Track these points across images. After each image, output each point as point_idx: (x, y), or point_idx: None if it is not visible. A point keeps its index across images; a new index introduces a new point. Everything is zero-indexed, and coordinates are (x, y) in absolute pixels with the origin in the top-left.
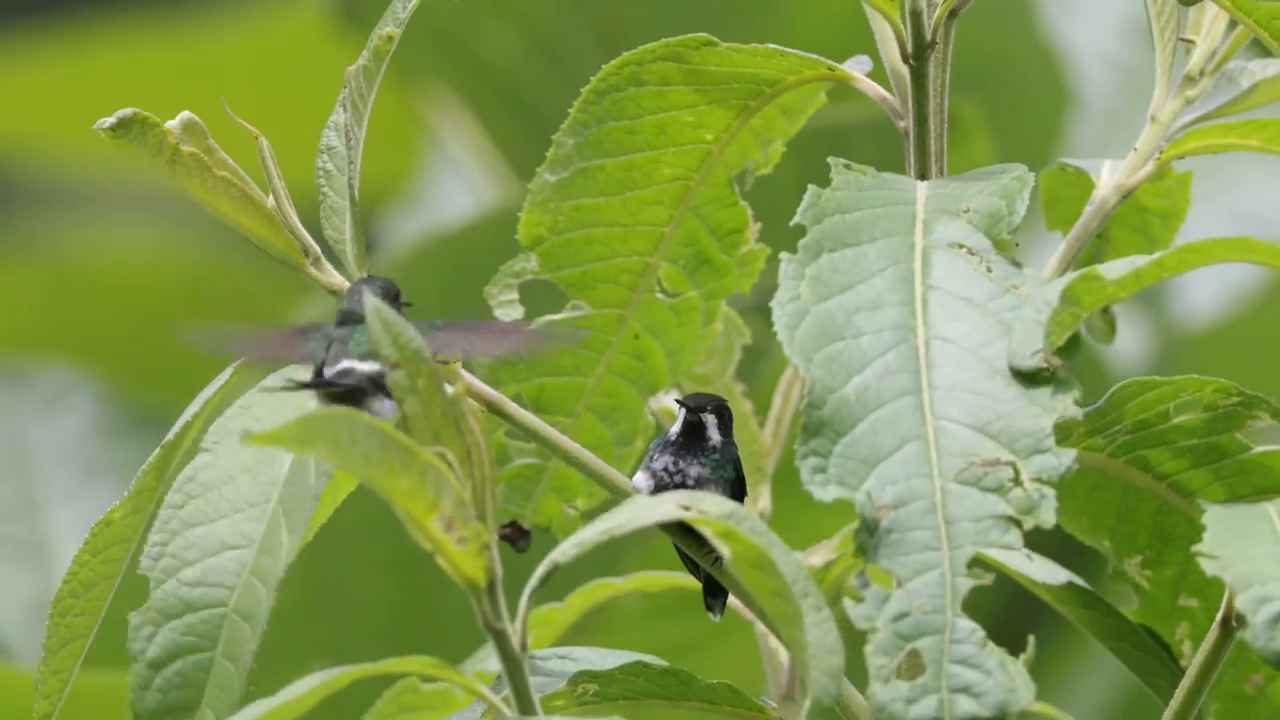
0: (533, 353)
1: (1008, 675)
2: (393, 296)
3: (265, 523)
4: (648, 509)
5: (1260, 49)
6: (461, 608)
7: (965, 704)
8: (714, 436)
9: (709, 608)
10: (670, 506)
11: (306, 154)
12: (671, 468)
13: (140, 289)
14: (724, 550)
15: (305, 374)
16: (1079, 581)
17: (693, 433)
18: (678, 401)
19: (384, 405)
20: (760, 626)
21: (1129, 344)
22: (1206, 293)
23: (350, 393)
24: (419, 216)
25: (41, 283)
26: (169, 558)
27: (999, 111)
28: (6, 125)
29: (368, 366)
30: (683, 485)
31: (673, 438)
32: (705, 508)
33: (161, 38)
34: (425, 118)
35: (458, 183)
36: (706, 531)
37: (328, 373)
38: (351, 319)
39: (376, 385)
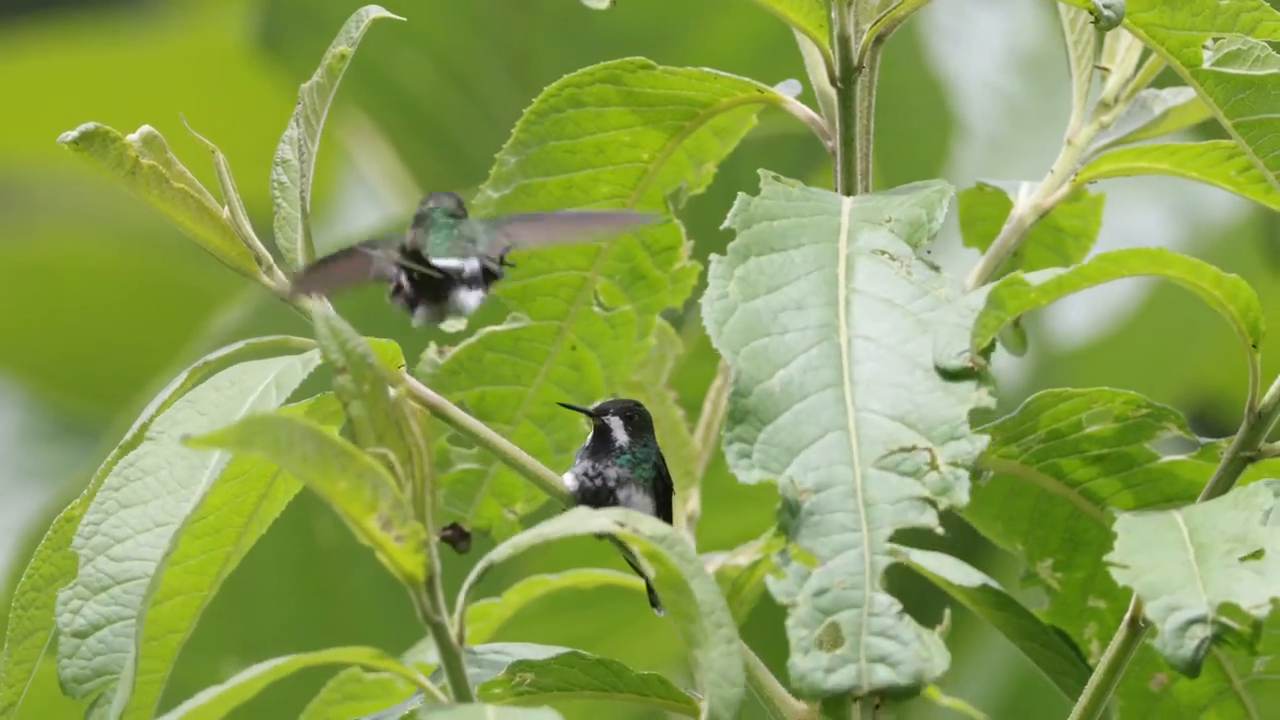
0: (605, 236)
1: (924, 645)
2: (459, 203)
3: (192, 502)
4: (583, 520)
5: (1173, 77)
6: (372, 607)
7: (883, 673)
8: (620, 438)
9: (653, 604)
10: (605, 520)
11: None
12: (591, 471)
13: (67, 292)
14: (649, 570)
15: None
16: (992, 584)
17: (601, 437)
18: (582, 411)
19: (468, 298)
20: None
21: (1008, 362)
22: (1079, 315)
23: (437, 291)
24: (330, 233)
25: None
26: (100, 536)
27: (887, 138)
28: None
29: (452, 263)
30: (604, 486)
31: (589, 443)
32: (639, 527)
33: (104, 42)
34: (341, 141)
35: (371, 205)
36: (635, 549)
37: (418, 274)
38: (422, 223)
39: (460, 279)
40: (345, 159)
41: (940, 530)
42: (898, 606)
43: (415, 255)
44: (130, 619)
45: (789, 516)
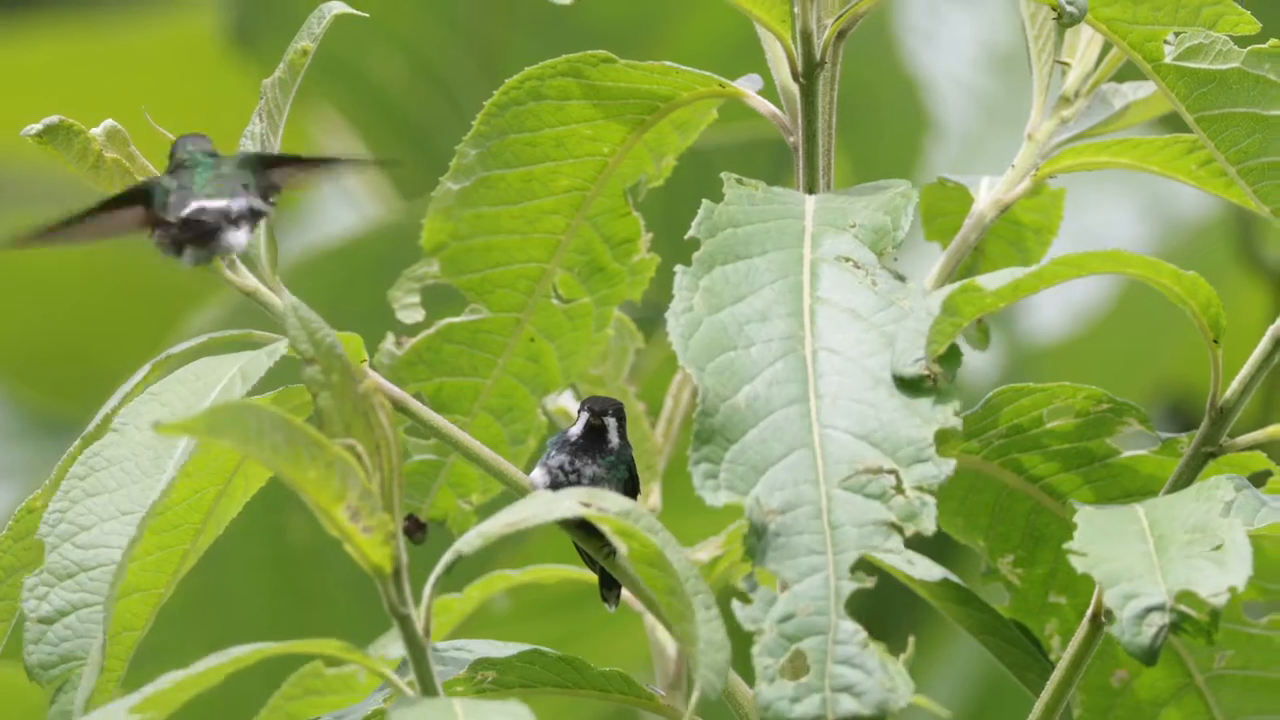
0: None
1: (888, 675)
2: (211, 143)
3: (158, 490)
4: (549, 504)
5: (1133, 71)
6: (343, 607)
7: (847, 703)
8: (613, 439)
9: (604, 599)
10: (571, 503)
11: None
12: (568, 466)
13: (40, 288)
14: (621, 546)
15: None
16: (954, 579)
17: (593, 435)
18: (583, 404)
19: (237, 236)
20: (649, 618)
21: (979, 359)
22: (1053, 312)
23: (205, 231)
24: (304, 230)
25: None
26: (66, 524)
27: (860, 136)
28: None
29: (217, 203)
30: (578, 484)
31: (572, 438)
32: (605, 505)
33: (75, 33)
34: (312, 137)
35: (340, 198)
36: (605, 528)
37: (182, 214)
38: (181, 166)
39: (227, 219)
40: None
41: (905, 556)
42: (862, 634)
43: (179, 197)
44: (97, 605)
45: (755, 539)
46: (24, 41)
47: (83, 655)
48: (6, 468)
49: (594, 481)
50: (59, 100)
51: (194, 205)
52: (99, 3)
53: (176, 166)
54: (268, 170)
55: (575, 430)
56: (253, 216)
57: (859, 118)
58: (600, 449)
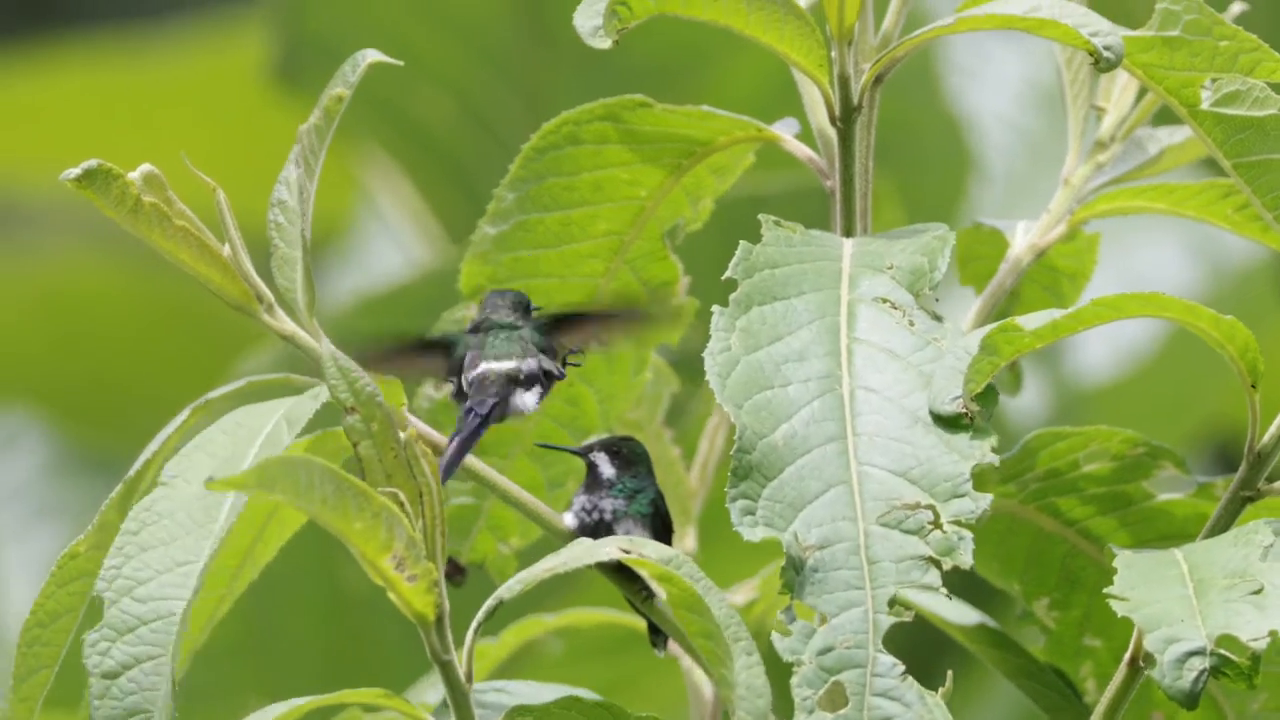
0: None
1: (926, 708)
2: (524, 307)
3: (214, 540)
4: (591, 550)
5: (1169, 116)
6: (394, 648)
7: None
8: (607, 471)
9: (653, 644)
10: (612, 549)
11: (252, 178)
12: (588, 505)
13: (89, 319)
14: (660, 591)
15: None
16: (990, 622)
17: (591, 473)
18: (567, 450)
19: (525, 399)
20: (686, 661)
21: (1027, 399)
22: (1101, 351)
23: (490, 395)
24: (350, 270)
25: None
26: (123, 579)
27: (904, 175)
28: None
29: (504, 366)
30: (601, 520)
31: (584, 481)
32: (645, 552)
33: (118, 62)
34: (358, 175)
35: (388, 239)
36: (644, 573)
37: (468, 377)
38: (484, 327)
39: (514, 381)
40: (362, 193)
41: (944, 592)
42: (901, 667)
43: (472, 357)
44: (160, 657)
45: (793, 574)
46: (65, 70)
47: (149, 709)
48: (54, 505)
49: (615, 516)
50: (101, 131)
51: (482, 368)
52: (139, 34)
53: (481, 322)
54: (565, 328)
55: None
56: (545, 379)
57: (903, 156)
58: (601, 483)
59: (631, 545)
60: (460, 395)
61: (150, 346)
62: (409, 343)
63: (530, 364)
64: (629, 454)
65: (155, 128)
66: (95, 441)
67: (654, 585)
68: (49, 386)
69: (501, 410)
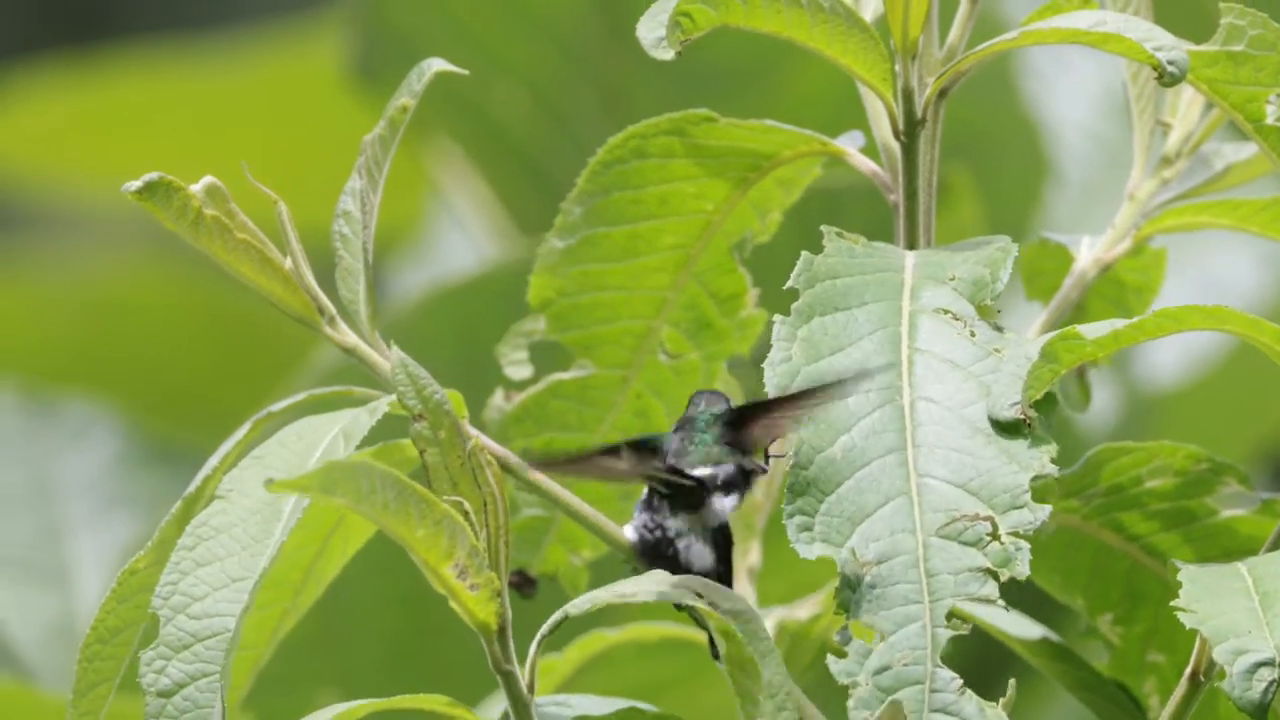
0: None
1: None
2: (725, 403)
3: (268, 555)
4: (663, 587)
5: (1235, 132)
6: (466, 646)
7: None
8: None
9: (715, 656)
10: (685, 591)
11: (318, 190)
12: (650, 524)
13: (160, 318)
14: (721, 644)
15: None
16: (1052, 636)
17: (652, 491)
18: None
19: (725, 502)
20: None
21: (1096, 406)
22: (1171, 357)
23: (689, 496)
24: (423, 268)
25: (67, 309)
26: (179, 595)
27: (979, 181)
28: (27, 154)
29: (704, 470)
30: (664, 537)
31: (646, 494)
32: (717, 601)
33: (180, 71)
34: (430, 171)
35: (460, 236)
36: (710, 624)
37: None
38: (689, 425)
39: (715, 485)
40: (434, 189)
41: (1001, 603)
42: (959, 681)
43: (669, 467)
44: (214, 675)
45: (849, 593)
46: (129, 81)
47: None
48: (125, 496)
49: (679, 534)
50: (166, 137)
51: (681, 475)
52: (201, 43)
53: (685, 423)
54: (755, 421)
55: (645, 489)
56: (744, 480)
57: (979, 161)
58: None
59: (706, 591)
60: (651, 504)
61: (211, 354)
62: (601, 449)
63: (725, 470)
64: None
65: (221, 137)
66: (165, 433)
67: (716, 637)
68: (115, 383)
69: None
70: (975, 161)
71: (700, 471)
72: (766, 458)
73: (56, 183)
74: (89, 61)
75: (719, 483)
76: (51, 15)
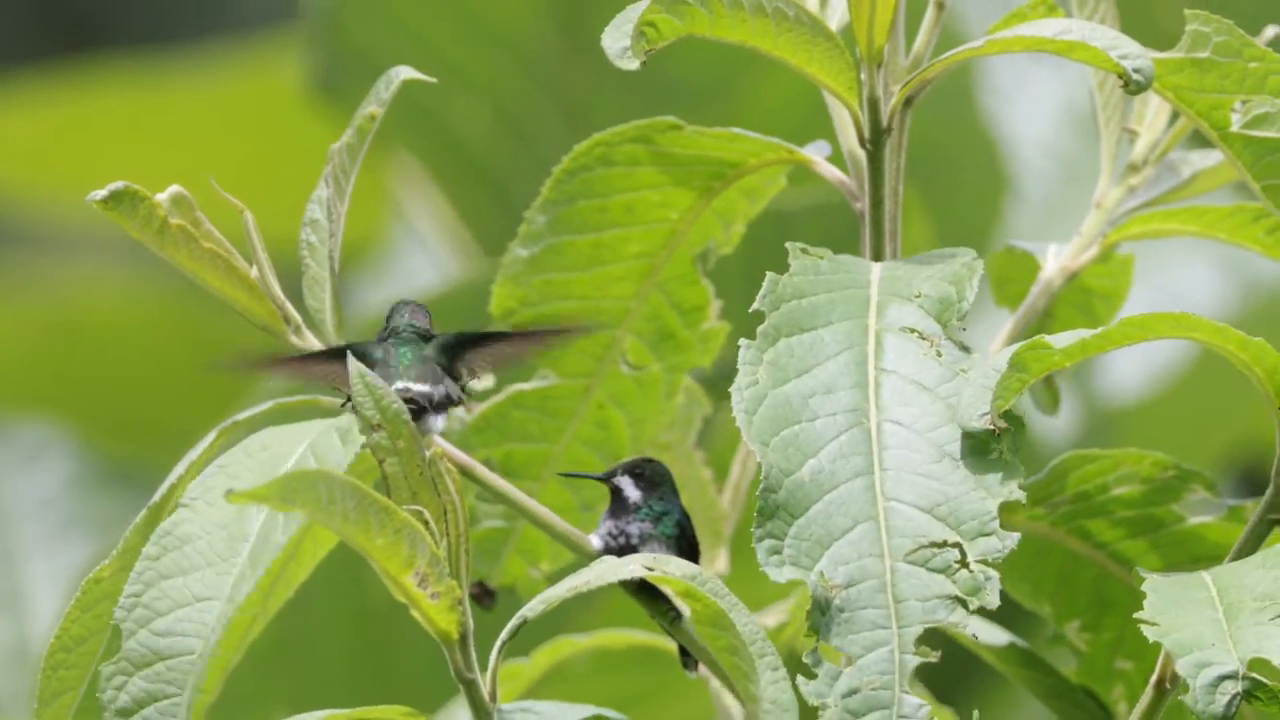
0: (548, 349)
1: None
2: (428, 321)
3: (234, 575)
4: (614, 568)
5: (1201, 140)
6: (422, 662)
7: None
8: (632, 495)
9: (684, 665)
10: (635, 566)
11: (283, 200)
12: (615, 530)
13: (118, 335)
14: (684, 609)
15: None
16: (1020, 643)
17: (616, 497)
18: (590, 476)
19: (435, 421)
20: (715, 683)
21: (1057, 421)
22: (1131, 371)
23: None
24: (383, 284)
25: (20, 325)
26: (142, 608)
27: (939, 196)
28: None
29: (421, 387)
30: (627, 544)
31: (609, 505)
32: (669, 569)
33: (149, 88)
34: (391, 187)
35: (421, 252)
36: (669, 590)
37: None
38: (393, 337)
39: (430, 403)
40: (395, 205)
41: (972, 632)
42: (926, 709)
43: (385, 373)
44: (177, 697)
45: (819, 615)
46: (95, 95)
47: None
48: (81, 518)
49: (642, 539)
50: (134, 152)
51: (399, 386)
52: (169, 58)
53: (388, 336)
54: (471, 349)
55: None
56: (450, 403)
57: (938, 178)
58: (626, 507)
59: (655, 563)
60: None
61: (170, 375)
62: (314, 351)
63: (440, 389)
64: (653, 475)
65: (188, 150)
66: (121, 455)
67: (679, 603)
68: (74, 404)
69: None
70: (935, 177)
71: (417, 388)
72: (464, 390)
73: (15, 199)
74: (51, 78)
75: (434, 402)
76: (15, 32)
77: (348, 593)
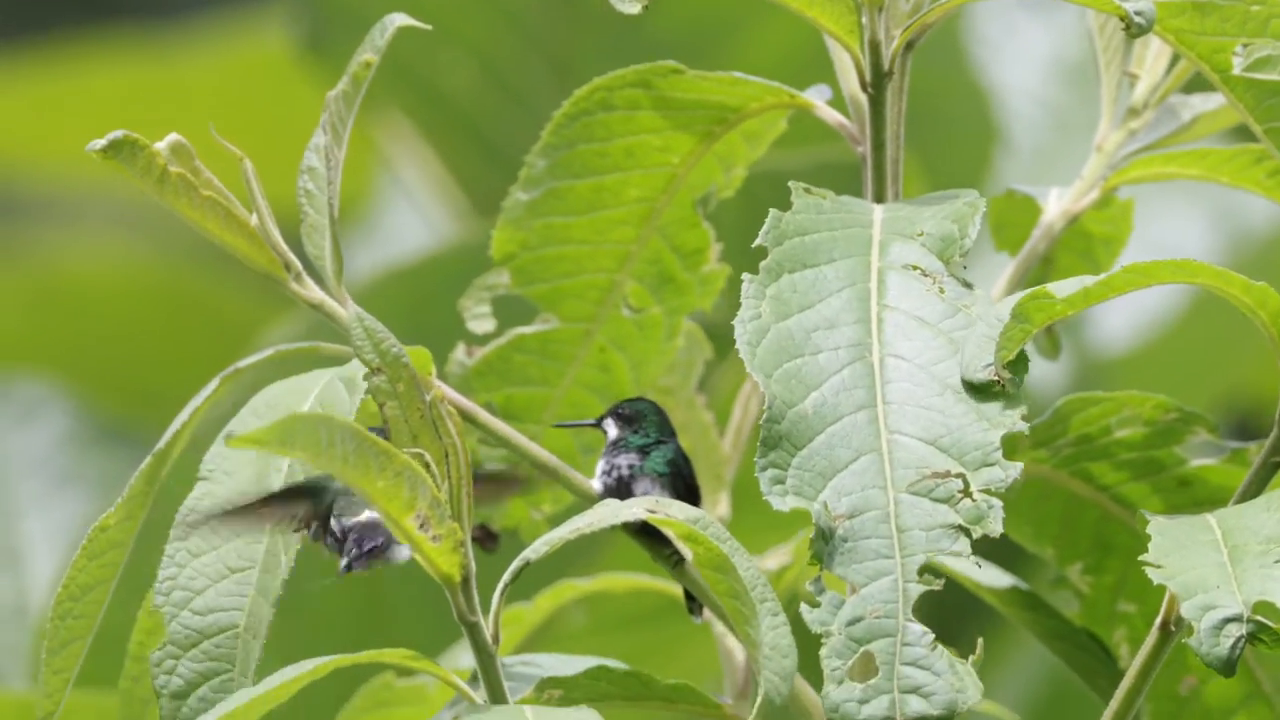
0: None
1: (956, 676)
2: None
3: (264, 543)
4: (616, 510)
5: (1201, 83)
6: (419, 619)
7: (916, 703)
8: (613, 433)
9: (690, 610)
10: (638, 509)
11: (279, 169)
12: (607, 467)
13: (114, 301)
14: (686, 552)
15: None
16: (1023, 585)
17: (608, 438)
18: (580, 425)
19: (402, 551)
20: (719, 627)
21: (1049, 370)
22: (1121, 321)
23: (374, 548)
24: (373, 242)
25: (18, 292)
26: (179, 590)
27: (929, 147)
28: None
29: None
30: (620, 479)
31: (608, 446)
32: (671, 512)
33: (143, 58)
34: (380, 143)
35: (410, 208)
36: (670, 533)
37: (350, 525)
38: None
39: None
40: (384, 162)
41: (974, 559)
42: (930, 636)
43: (349, 504)
44: (228, 673)
45: (822, 543)
46: (91, 67)
47: None
48: (77, 475)
49: (633, 473)
50: (130, 124)
51: (368, 517)
52: (164, 29)
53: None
54: None
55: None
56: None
57: (928, 129)
58: (615, 445)
59: (657, 506)
60: (334, 541)
61: (164, 334)
62: (267, 496)
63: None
64: (631, 412)
65: (181, 121)
66: (115, 412)
67: (681, 547)
68: (69, 365)
69: (383, 558)
70: (925, 128)
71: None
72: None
73: (13, 168)
74: (46, 51)
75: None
76: (11, 4)
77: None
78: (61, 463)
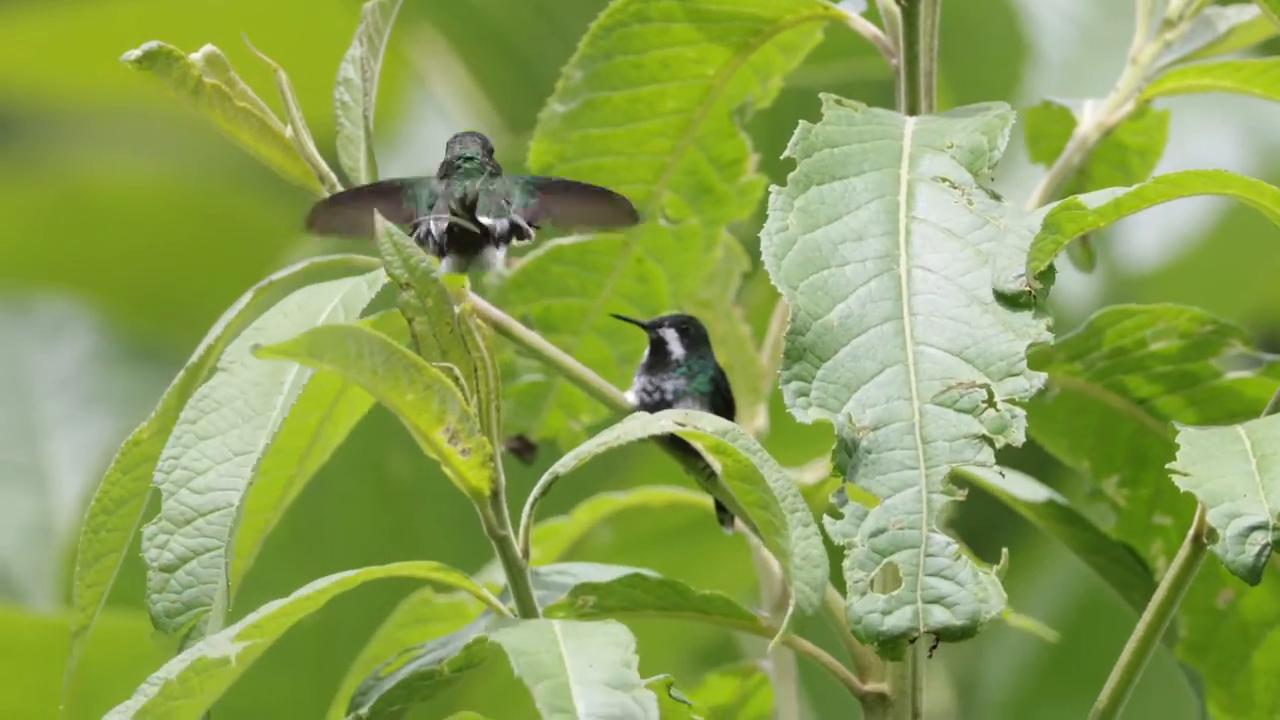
0: (618, 224)
1: (980, 586)
2: (491, 153)
3: (269, 428)
4: (644, 424)
5: None
6: (441, 543)
7: (939, 614)
8: (676, 350)
9: (721, 521)
10: (666, 422)
11: (309, 91)
12: (649, 386)
13: (141, 217)
14: (716, 464)
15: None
16: (1059, 499)
17: (657, 351)
18: (637, 323)
19: (496, 255)
20: (754, 539)
21: (1077, 285)
22: (1150, 238)
23: (469, 244)
24: (404, 156)
25: (44, 208)
26: (181, 470)
27: (959, 62)
28: (23, 62)
29: (487, 220)
30: (662, 400)
31: (646, 358)
32: (700, 424)
33: None
34: (412, 59)
35: (443, 124)
36: (700, 446)
37: (439, 225)
38: (453, 169)
39: (490, 236)
40: (417, 78)
41: (998, 469)
42: (954, 546)
43: (457, 206)
44: (217, 550)
45: (845, 456)
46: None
47: (207, 601)
48: (103, 393)
49: (676, 395)
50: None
51: (471, 219)
52: None
53: (448, 168)
54: (538, 194)
55: (647, 351)
56: (514, 236)
57: (959, 44)
58: (666, 363)
59: (686, 418)
60: (432, 240)
61: (191, 252)
62: (364, 189)
63: (504, 223)
64: (695, 334)
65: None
66: (142, 330)
67: (711, 459)
68: (94, 281)
69: (474, 261)
70: (956, 43)
71: (486, 220)
72: (533, 225)
73: (39, 90)
74: None
75: (496, 235)
76: None
77: (366, 476)
78: (87, 382)
